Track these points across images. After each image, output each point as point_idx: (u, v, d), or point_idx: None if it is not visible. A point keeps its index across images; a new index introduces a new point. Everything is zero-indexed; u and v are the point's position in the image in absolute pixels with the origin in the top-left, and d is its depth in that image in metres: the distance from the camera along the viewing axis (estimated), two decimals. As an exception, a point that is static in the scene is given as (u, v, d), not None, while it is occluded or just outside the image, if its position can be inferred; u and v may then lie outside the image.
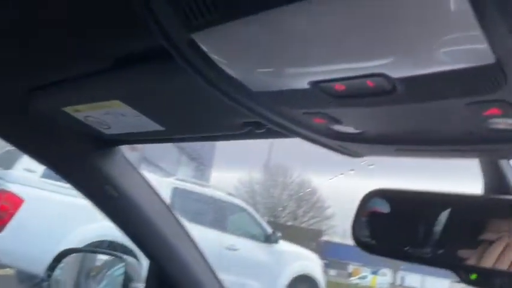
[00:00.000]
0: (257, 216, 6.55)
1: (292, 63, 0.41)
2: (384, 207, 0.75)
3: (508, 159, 0.58)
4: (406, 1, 0.30)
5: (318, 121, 0.52)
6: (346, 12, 0.32)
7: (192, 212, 5.34)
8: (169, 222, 1.10)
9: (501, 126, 0.43)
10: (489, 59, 0.31)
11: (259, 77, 0.44)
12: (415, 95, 0.38)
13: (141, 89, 0.73)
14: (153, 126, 0.82)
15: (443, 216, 0.70)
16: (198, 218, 5.22)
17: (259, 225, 6.37)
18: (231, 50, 0.42)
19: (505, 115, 0.39)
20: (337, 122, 0.50)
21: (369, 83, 0.38)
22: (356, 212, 0.75)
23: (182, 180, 6.13)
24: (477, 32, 0.29)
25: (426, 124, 0.46)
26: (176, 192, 5.42)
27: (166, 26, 0.42)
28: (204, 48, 0.43)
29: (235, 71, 0.45)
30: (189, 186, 5.93)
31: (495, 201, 0.66)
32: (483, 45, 0.30)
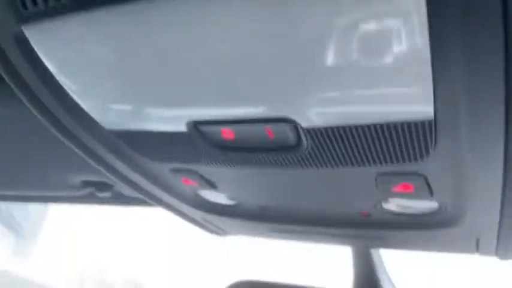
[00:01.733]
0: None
1: (164, 91, 0.29)
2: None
3: (391, 248, 0.53)
4: (339, 21, 0.22)
5: (187, 183, 0.40)
6: (248, 23, 0.23)
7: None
8: None
9: (399, 209, 0.37)
10: (426, 113, 0.25)
11: (115, 107, 0.31)
12: (322, 155, 0.30)
13: None
14: None
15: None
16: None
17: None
18: (75, 57, 0.29)
19: (413, 195, 0.33)
20: (211, 186, 0.39)
21: (269, 132, 0.29)
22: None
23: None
24: (423, 74, 0.22)
25: (320, 198, 0.38)
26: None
27: None
28: (37, 49, 0.29)
29: (79, 93, 0.31)
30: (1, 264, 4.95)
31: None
32: (424, 95, 0.23)
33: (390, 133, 0.26)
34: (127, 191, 0.56)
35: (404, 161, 0.28)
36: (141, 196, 0.58)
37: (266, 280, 0.63)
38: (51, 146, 0.52)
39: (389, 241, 0.47)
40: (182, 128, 0.30)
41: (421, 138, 0.26)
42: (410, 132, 0.26)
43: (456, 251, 0.47)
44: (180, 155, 0.34)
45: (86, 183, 0.57)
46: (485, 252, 0.44)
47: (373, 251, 0.60)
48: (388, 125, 0.26)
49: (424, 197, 0.33)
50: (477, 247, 0.43)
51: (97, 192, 0.58)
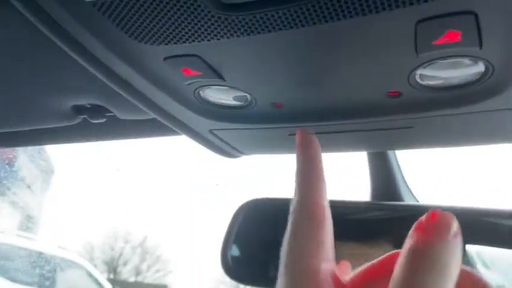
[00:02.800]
0: (95, 272, 5.86)
1: None
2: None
3: (418, 147, 0.48)
4: None
5: (188, 73, 0.35)
6: None
7: (13, 269, 4.51)
8: None
9: (437, 82, 0.33)
10: None
11: None
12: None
13: None
14: None
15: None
16: (20, 277, 4.41)
17: (97, 282, 5.68)
18: None
19: (458, 47, 0.28)
20: (217, 75, 0.35)
21: None
22: (226, 232, 0.59)
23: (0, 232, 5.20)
24: None
25: (344, 77, 0.34)
26: (-8, 247, 4.52)
27: None
28: None
29: None
30: (8, 239, 5.03)
31: (381, 208, 0.58)
32: None
33: None
34: (123, 114, 0.52)
35: None
36: (138, 117, 0.54)
37: (280, 196, 0.60)
38: (33, 69, 0.47)
39: (417, 134, 0.42)
40: None
41: None
42: None
43: (495, 137, 0.43)
44: (173, 27, 0.29)
45: (78, 109, 0.52)
46: None
47: (389, 156, 0.57)
48: None
49: (471, 48, 0.28)
50: None
51: (90, 118, 0.54)
